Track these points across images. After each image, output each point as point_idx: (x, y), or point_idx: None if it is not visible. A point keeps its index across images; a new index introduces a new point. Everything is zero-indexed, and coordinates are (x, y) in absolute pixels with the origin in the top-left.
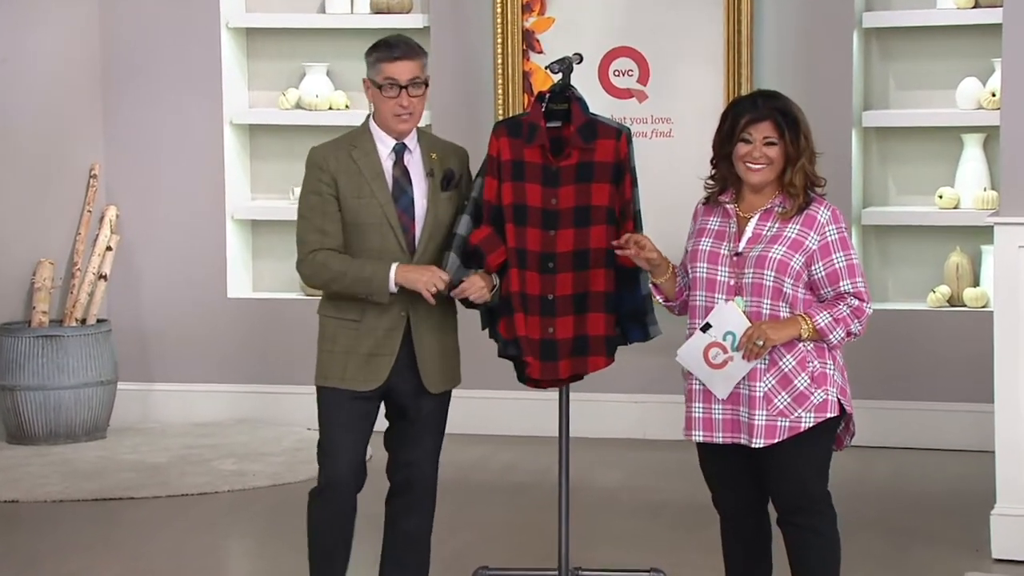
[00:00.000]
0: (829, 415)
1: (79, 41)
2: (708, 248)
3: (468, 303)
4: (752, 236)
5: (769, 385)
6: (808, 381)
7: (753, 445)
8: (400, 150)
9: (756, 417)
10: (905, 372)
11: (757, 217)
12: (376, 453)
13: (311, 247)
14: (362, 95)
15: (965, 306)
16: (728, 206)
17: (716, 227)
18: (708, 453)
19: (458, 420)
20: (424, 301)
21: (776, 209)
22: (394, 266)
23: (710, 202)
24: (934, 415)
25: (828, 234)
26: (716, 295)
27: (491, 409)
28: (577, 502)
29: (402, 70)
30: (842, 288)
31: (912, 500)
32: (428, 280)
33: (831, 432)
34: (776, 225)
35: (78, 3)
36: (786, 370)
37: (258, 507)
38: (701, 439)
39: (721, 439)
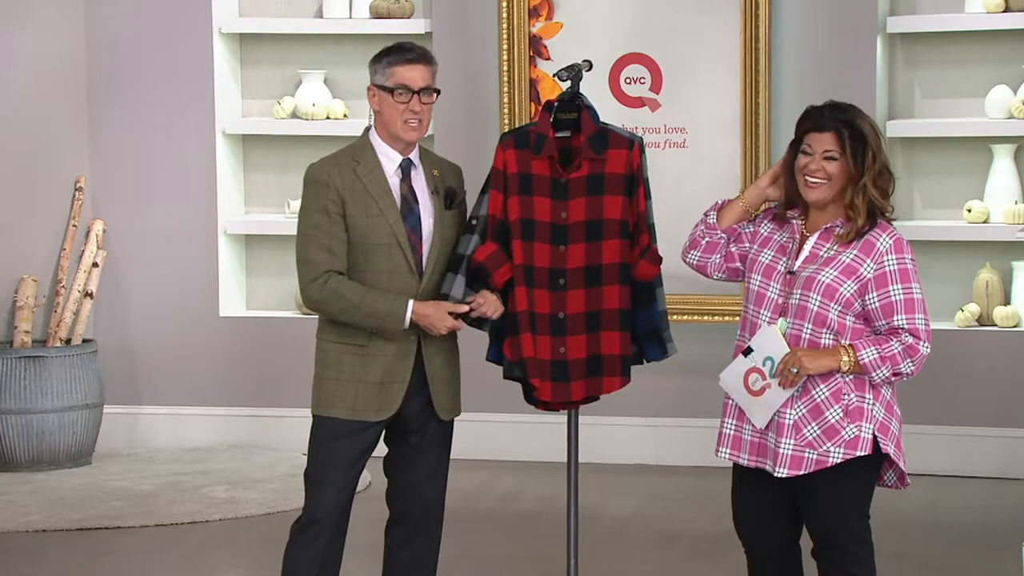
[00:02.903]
0: (860, 453)
1: (64, 47)
2: (767, 261)
3: (475, 321)
4: (809, 255)
5: (800, 414)
6: (841, 414)
7: (776, 474)
8: (407, 166)
9: (783, 445)
10: (932, 395)
11: (817, 236)
12: (376, 478)
13: (320, 268)
14: (361, 104)
15: (995, 325)
16: (795, 221)
17: (782, 241)
18: (743, 479)
19: (458, 444)
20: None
21: (837, 230)
22: (411, 304)
23: (778, 217)
24: (963, 440)
25: (887, 264)
26: (763, 311)
27: (493, 433)
28: (586, 533)
29: (416, 75)
30: (896, 323)
31: (939, 530)
32: (443, 326)
33: (872, 469)
34: (835, 247)
35: (62, 6)
36: (818, 400)
37: (252, 536)
38: (727, 458)
39: (746, 461)
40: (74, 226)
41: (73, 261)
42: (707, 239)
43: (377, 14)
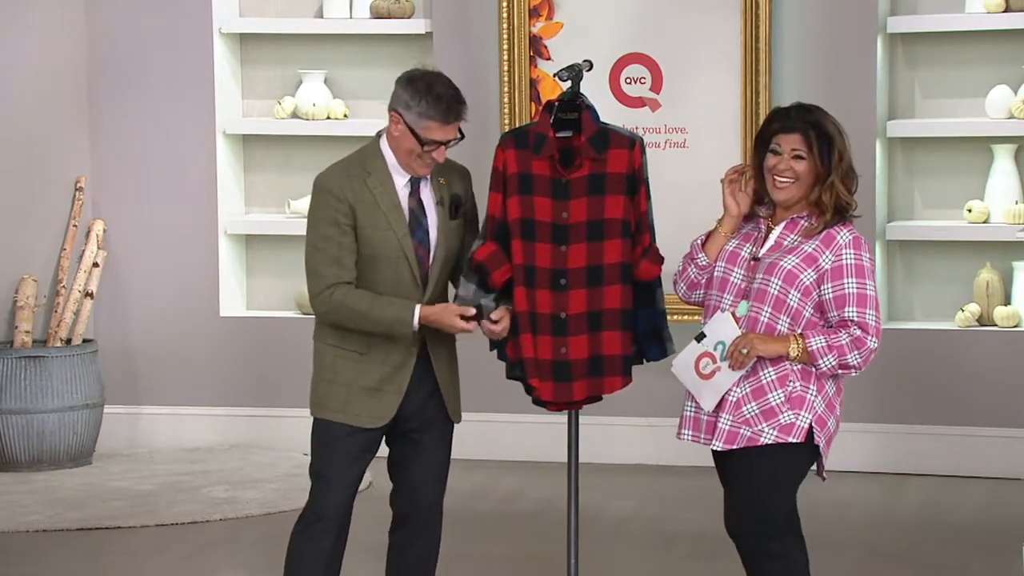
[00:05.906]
0: (792, 439)
1: (64, 47)
2: (731, 248)
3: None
4: (774, 244)
5: (743, 393)
6: (782, 399)
7: (712, 447)
8: (416, 180)
9: (722, 420)
10: (932, 395)
11: (783, 226)
12: (377, 479)
13: (328, 282)
14: (361, 103)
15: (996, 326)
16: (761, 217)
17: (746, 230)
18: (719, 466)
19: (458, 444)
20: (438, 331)
21: (802, 222)
22: (417, 309)
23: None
24: (962, 440)
25: (844, 257)
26: (725, 295)
27: (493, 433)
28: (586, 533)
29: (450, 132)
30: (846, 314)
31: (939, 530)
32: (453, 324)
33: (803, 457)
34: (799, 238)
35: (63, 7)
36: (764, 382)
37: (252, 536)
38: (689, 439)
39: (702, 441)
40: (74, 226)
41: (73, 261)
42: (704, 277)
43: (377, 14)
